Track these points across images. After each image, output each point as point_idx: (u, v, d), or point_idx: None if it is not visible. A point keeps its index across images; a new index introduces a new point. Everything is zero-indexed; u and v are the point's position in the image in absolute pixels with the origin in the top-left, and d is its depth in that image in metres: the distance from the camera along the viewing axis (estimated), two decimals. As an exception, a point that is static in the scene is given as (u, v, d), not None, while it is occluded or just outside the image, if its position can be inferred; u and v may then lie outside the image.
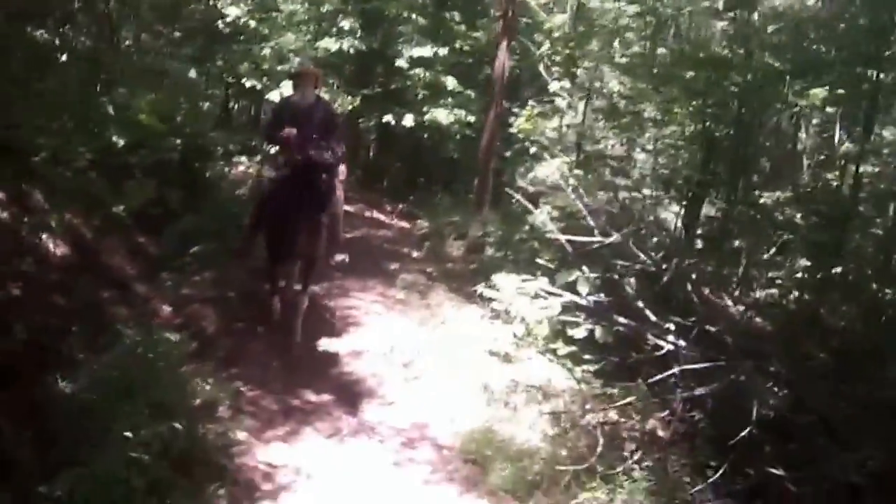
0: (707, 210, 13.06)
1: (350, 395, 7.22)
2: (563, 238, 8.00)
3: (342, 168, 7.90)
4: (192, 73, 13.02)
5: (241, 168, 13.56)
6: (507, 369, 7.69)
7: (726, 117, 11.75)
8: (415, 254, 12.42)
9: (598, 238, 7.85)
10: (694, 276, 7.90)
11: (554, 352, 7.95)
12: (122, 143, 9.25)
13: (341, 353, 8.02)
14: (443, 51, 15.27)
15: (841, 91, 10.05)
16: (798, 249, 11.03)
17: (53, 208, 8.06)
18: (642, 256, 8.05)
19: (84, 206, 8.50)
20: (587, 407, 6.99)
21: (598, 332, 7.83)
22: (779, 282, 11.18)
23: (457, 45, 15.97)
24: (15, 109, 7.76)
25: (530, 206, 9.53)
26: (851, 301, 10.15)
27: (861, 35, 10.03)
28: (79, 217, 8.52)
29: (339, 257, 8.13)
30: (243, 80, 14.74)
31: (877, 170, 11.28)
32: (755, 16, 11.21)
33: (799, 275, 10.98)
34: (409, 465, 6.15)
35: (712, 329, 7.07)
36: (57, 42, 9.81)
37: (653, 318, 7.31)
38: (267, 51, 14.60)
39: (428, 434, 6.64)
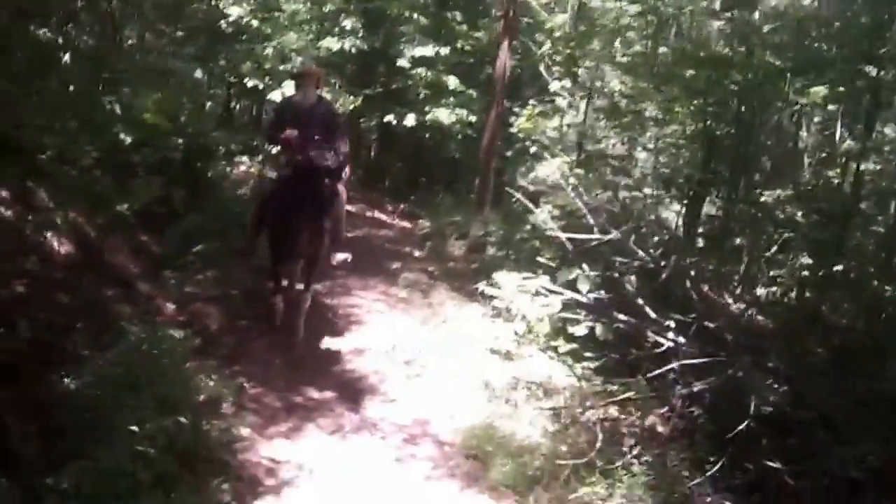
0: (708, 209, 13.09)
1: (352, 392, 7.27)
2: (562, 236, 8.05)
3: (346, 168, 7.91)
4: (198, 73, 13.06)
5: (243, 168, 13.59)
6: (508, 367, 7.74)
7: (727, 116, 11.77)
8: (416, 253, 12.47)
9: (598, 235, 7.89)
10: (693, 272, 7.93)
11: (555, 349, 7.99)
12: (129, 140, 9.29)
13: (343, 351, 8.07)
14: (444, 50, 15.30)
15: (841, 89, 10.06)
16: (799, 247, 11.05)
17: (58, 207, 8.10)
18: (641, 254, 8.09)
19: (88, 205, 8.54)
20: (587, 403, 7.03)
21: (599, 329, 7.89)
22: (780, 280, 11.20)
23: (458, 45, 15.99)
24: (18, 108, 7.81)
25: (531, 206, 9.57)
26: (853, 299, 10.17)
27: (860, 33, 10.05)
28: (83, 216, 8.56)
29: (342, 257, 8.14)
30: (245, 80, 14.78)
31: (878, 167, 11.29)
32: (755, 15, 11.23)
33: (800, 273, 11.01)
34: (411, 461, 6.20)
35: (711, 325, 7.10)
36: (60, 41, 9.85)
37: (652, 315, 7.34)
38: (269, 50, 14.64)
39: (429, 430, 6.69)
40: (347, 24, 15.44)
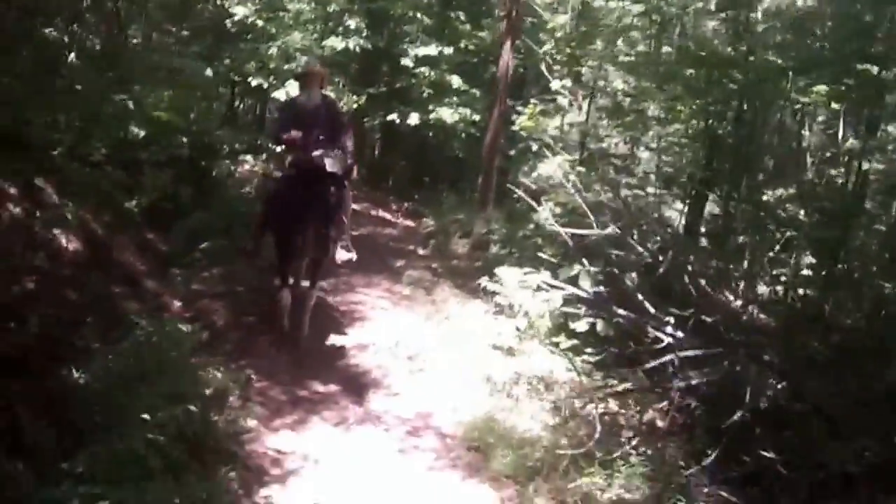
0: (711, 208, 13.14)
1: (356, 386, 7.37)
2: (562, 231, 8.14)
3: (354, 169, 7.98)
4: (208, 72, 13.17)
5: (247, 167, 13.69)
6: (509, 362, 7.82)
7: (728, 115, 11.82)
8: (420, 251, 12.57)
9: (597, 231, 7.98)
10: (690, 267, 8.01)
11: (555, 344, 8.08)
12: (142, 135, 9.39)
13: (348, 347, 8.17)
14: (448, 50, 15.40)
15: (842, 87, 10.09)
16: (802, 246, 11.08)
17: (67, 203, 8.21)
18: (640, 249, 8.18)
19: (97, 201, 8.65)
20: (587, 397, 7.11)
21: (600, 325, 7.99)
22: (783, 279, 11.25)
23: (462, 45, 16.11)
24: (25, 106, 7.91)
25: (534, 204, 9.65)
26: (854, 298, 10.21)
27: (852, 32, 10.10)
28: (90, 213, 8.67)
29: (347, 256, 8.12)
30: (249, 79, 14.88)
31: (881, 167, 11.32)
32: (754, 14, 11.28)
33: (804, 272, 11.06)
34: (414, 453, 6.30)
35: (709, 319, 7.17)
36: (65, 40, 9.96)
37: (651, 310, 7.42)
38: (273, 50, 14.74)
39: (432, 423, 6.78)
40: (351, 23, 15.52)
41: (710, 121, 11.83)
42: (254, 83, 14.94)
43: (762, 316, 10.32)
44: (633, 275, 8.51)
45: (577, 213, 8.82)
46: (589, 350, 8.00)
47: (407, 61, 15.56)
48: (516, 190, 10.09)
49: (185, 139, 10.65)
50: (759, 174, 12.41)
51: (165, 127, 9.94)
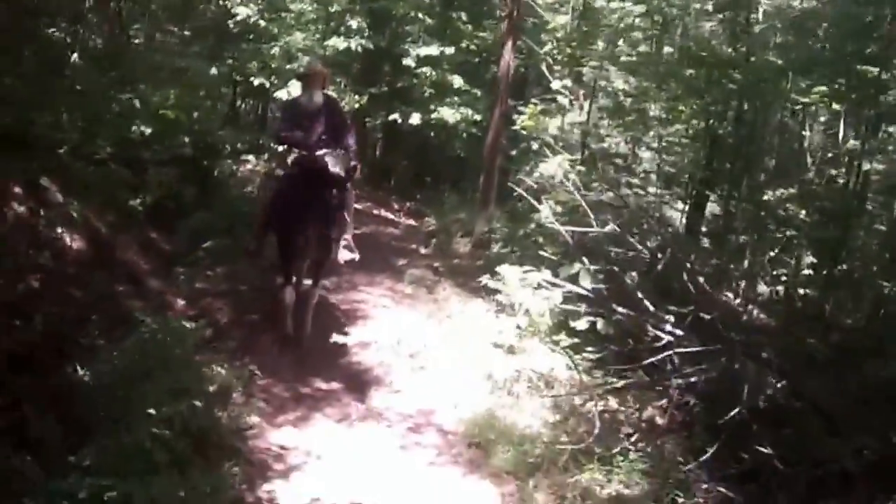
0: (712, 208, 13.19)
1: (359, 383, 7.45)
2: (562, 229, 8.19)
3: (357, 168, 7.89)
4: (214, 71, 13.22)
5: (249, 166, 13.73)
6: (510, 360, 7.87)
7: (728, 115, 11.88)
8: (422, 250, 12.61)
9: (596, 228, 8.03)
10: (689, 265, 8.05)
11: (556, 343, 8.12)
12: (148, 132, 9.43)
13: (350, 344, 8.23)
14: (449, 50, 15.43)
15: (840, 88, 10.13)
16: (802, 246, 11.13)
17: (71, 202, 8.26)
18: (638, 246, 8.23)
19: (101, 201, 8.70)
20: (587, 395, 7.17)
21: (600, 323, 8.04)
22: (783, 279, 11.29)
23: (463, 45, 16.14)
24: (28, 106, 7.96)
25: (536, 203, 9.70)
26: (854, 298, 10.26)
27: (849, 32, 10.14)
28: (94, 212, 8.73)
29: (349, 256, 8.15)
30: (251, 79, 14.92)
31: (882, 167, 11.35)
32: (753, 15, 11.32)
33: (804, 272, 11.11)
34: (415, 449, 6.38)
35: (707, 317, 7.22)
36: (68, 40, 10.01)
37: (651, 308, 7.48)
38: (276, 50, 14.78)
39: (433, 420, 6.86)
40: (353, 23, 15.55)
41: (711, 121, 11.88)
42: (256, 83, 14.97)
43: (762, 316, 10.38)
44: (634, 273, 8.57)
45: (578, 212, 8.87)
46: (589, 348, 8.04)
47: (409, 61, 15.57)
48: (517, 188, 10.13)
49: (186, 139, 10.69)
50: (759, 174, 12.45)
51: (172, 125, 9.98)
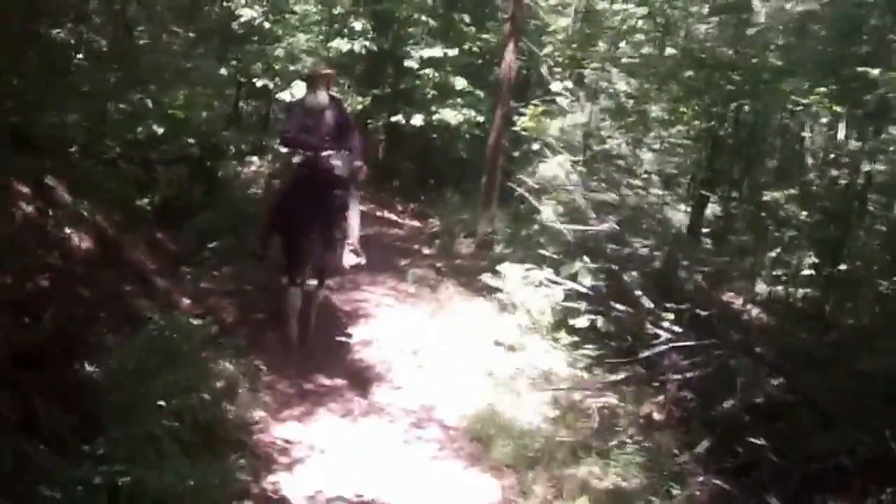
0: (713, 209, 13.24)
1: (362, 379, 7.59)
2: (562, 227, 8.30)
3: (363, 169, 7.97)
4: (223, 71, 13.29)
5: (253, 168, 13.81)
6: (511, 357, 8.00)
7: (728, 116, 11.93)
8: (425, 251, 12.71)
9: (595, 226, 8.14)
10: (685, 263, 8.16)
11: (556, 340, 8.24)
12: (160, 131, 9.52)
13: (353, 342, 8.37)
14: (452, 52, 15.52)
15: (834, 89, 10.18)
16: (803, 247, 11.19)
17: (81, 202, 8.35)
18: (636, 243, 8.33)
19: (109, 200, 8.78)
20: (586, 391, 7.29)
21: (600, 321, 8.16)
22: (783, 279, 11.36)
23: (466, 47, 16.22)
24: (32, 106, 8.05)
25: (537, 204, 9.80)
26: (856, 298, 10.30)
27: (838, 34, 10.20)
28: (102, 212, 8.82)
29: (355, 261, 8.13)
30: (254, 80, 15.00)
31: (882, 168, 11.38)
32: (749, 16, 11.38)
33: (805, 272, 11.17)
34: (418, 443, 6.52)
35: (704, 314, 7.32)
36: (72, 41, 10.09)
37: (649, 305, 7.58)
38: (280, 51, 14.86)
39: (435, 415, 6.99)
40: (357, 25, 15.64)
41: (712, 122, 11.94)
42: (259, 84, 15.04)
43: (763, 316, 10.45)
44: (633, 272, 8.67)
45: (578, 212, 8.98)
46: (589, 346, 8.15)
47: (411, 63, 15.66)
48: (518, 188, 10.22)
49: (191, 140, 10.77)
50: (760, 175, 12.51)
51: (181, 125, 10.08)
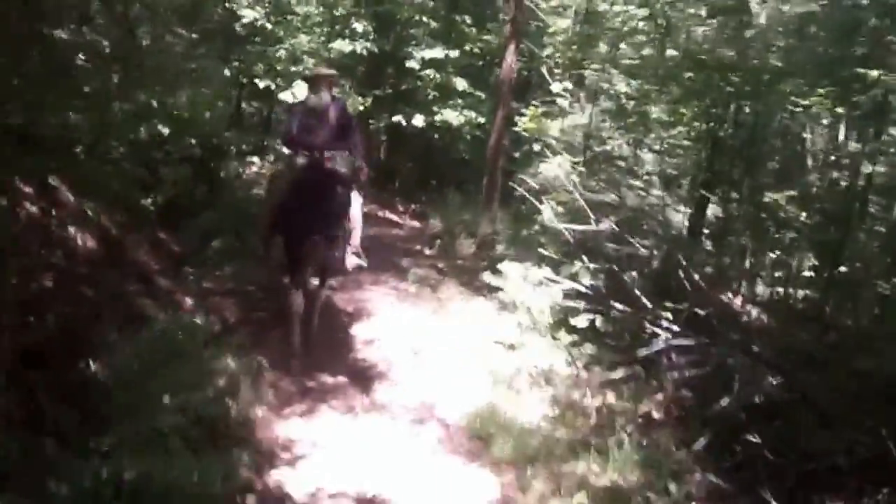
0: (714, 210, 13.28)
1: (363, 377, 7.65)
2: (561, 227, 8.35)
3: (364, 170, 8.00)
4: (227, 72, 13.36)
5: (254, 168, 13.87)
6: (511, 356, 8.06)
7: (727, 117, 11.96)
8: (426, 251, 12.79)
9: (594, 226, 8.19)
10: (684, 262, 8.21)
11: (556, 339, 8.29)
12: (167, 132, 9.58)
13: (355, 341, 8.47)
14: (453, 53, 15.59)
15: (827, 89, 10.20)
16: (803, 248, 11.22)
17: (84, 202, 8.41)
18: (636, 244, 8.39)
19: (113, 200, 8.84)
20: (586, 390, 7.36)
21: (599, 321, 8.22)
22: (784, 280, 11.38)
23: (467, 48, 16.30)
24: (34, 106, 8.10)
25: (536, 203, 9.85)
26: (855, 300, 10.33)
27: (835, 35, 10.23)
28: (105, 212, 8.88)
29: (357, 262, 8.23)
30: (256, 81, 15.06)
31: (882, 169, 11.40)
32: (747, 18, 11.42)
33: (805, 273, 11.20)
34: (418, 440, 6.58)
35: (702, 313, 7.37)
36: (75, 42, 10.12)
37: (648, 304, 7.64)
38: (282, 52, 14.93)
39: (436, 413, 7.05)
40: (358, 26, 15.72)
41: (712, 123, 11.98)
42: (261, 85, 15.09)
43: (763, 317, 10.48)
44: (633, 272, 8.74)
45: (578, 212, 9.03)
46: (588, 345, 8.21)
47: (413, 64, 15.73)
48: (518, 188, 10.28)
49: (193, 140, 10.83)
50: (760, 176, 12.53)
51: (186, 125, 10.14)
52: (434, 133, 16.52)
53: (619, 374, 7.69)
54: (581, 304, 8.08)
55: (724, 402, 6.46)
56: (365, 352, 8.27)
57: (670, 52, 13.22)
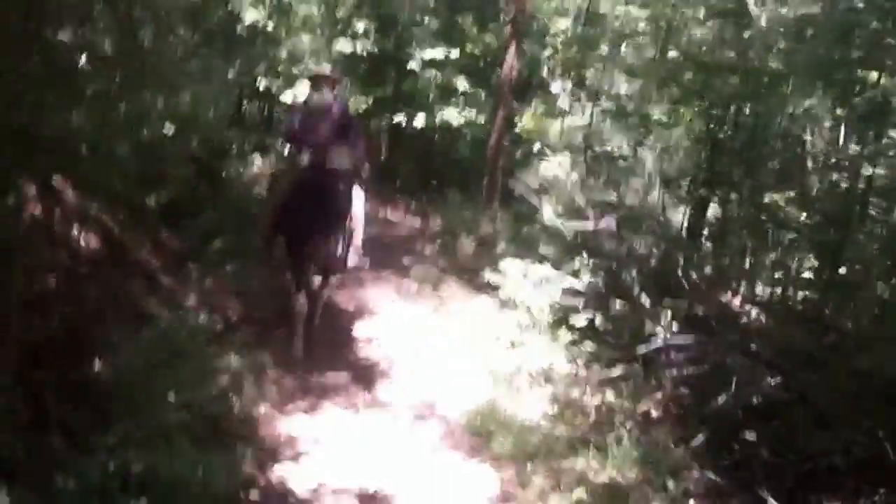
0: (715, 210, 13.31)
1: (365, 375, 7.73)
2: (559, 224, 8.42)
3: (365, 169, 8.06)
4: (230, 75, 13.42)
5: (256, 168, 13.92)
6: (511, 354, 8.13)
7: (727, 119, 12.01)
8: (427, 250, 12.80)
9: (593, 225, 8.26)
10: (682, 261, 8.27)
11: (556, 338, 8.36)
12: (172, 130, 9.63)
13: (357, 339, 8.56)
14: (454, 53, 15.63)
15: (836, 91, 10.24)
16: (803, 249, 11.24)
17: (87, 202, 8.46)
18: (635, 243, 8.45)
19: (116, 200, 8.88)
20: (585, 388, 7.43)
21: (598, 319, 8.29)
22: (783, 281, 11.41)
23: (468, 48, 16.33)
24: (38, 107, 8.15)
25: (537, 203, 9.90)
26: (855, 301, 10.36)
27: (832, 38, 10.26)
28: (109, 212, 8.93)
29: (357, 261, 8.30)
30: (258, 80, 15.10)
31: (882, 172, 11.41)
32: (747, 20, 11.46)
33: (804, 275, 11.23)
34: (419, 436, 6.67)
35: (700, 312, 7.43)
36: (77, 44, 10.17)
37: (646, 303, 7.70)
38: (283, 52, 14.97)
39: (437, 410, 7.14)
40: (360, 27, 15.76)
41: (712, 124, 12.03)
42: (262, 85, 15.13)
43: (762, 317, 10.52)
44: (633, 272, 8.79)
45: (578, 211, 9.09)
46: (588, 343, 8.27)
47: (414, 64, 15.77)
48: (518, 187, 10.33)
49: (195, 140, 10.87)
50: (760, 177, 12.56)
51: (189, 124, 10.19)
52: (435, 133, 16.55)
53: (617, 371, 7.76)
54: (580, 302, 8.14)
55: (722, 399, 6.49)
56: (366, 350, 8.36)
57: (671, 54, 13.30)
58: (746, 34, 10.91)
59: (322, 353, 7.87)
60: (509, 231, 12.15)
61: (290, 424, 6.48)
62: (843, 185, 11.03)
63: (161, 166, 9.67)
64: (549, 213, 9.46)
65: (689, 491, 5.98)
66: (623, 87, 13.60)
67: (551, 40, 13.94)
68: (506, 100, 12.59)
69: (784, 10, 10.69)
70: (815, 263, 10.86)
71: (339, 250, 7.90)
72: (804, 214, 10.79)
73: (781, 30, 11.48)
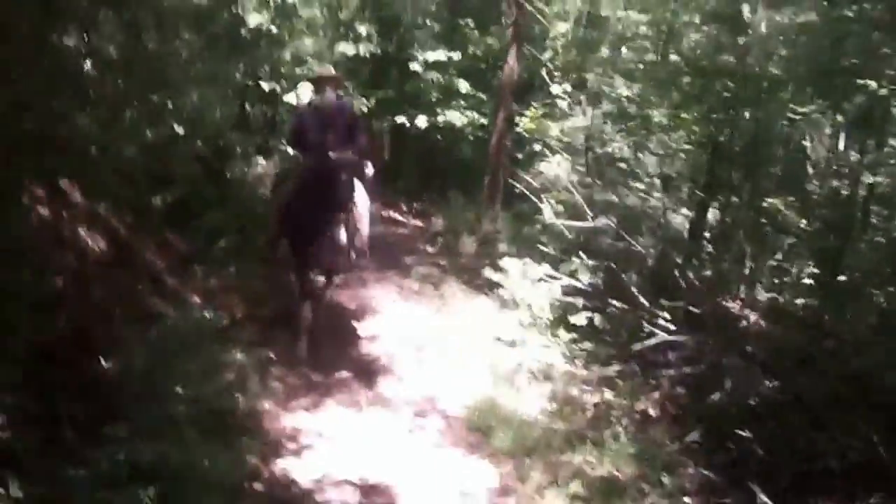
0: (715, 214, 13.37)
1: (367, 372, 7.85)
2: (559, 223, 8.52)
3: (370, 170, 8.04)
4: (237, 76, 13.51)
5: (259, 169, 14.00)
6: (511, 352, 8.25)
7: (727, 123, 12.06)
8: (429, 249, 12.93)
9: (591, 224, 8.37)
10: (679, 261, 8.37)
11: (556, 337, 8.48)
12: (181, 132, 9.73)
13: (359, 337, 8.69)
14: (456, 55, 15.74)
15: (833, 98, 10.30)
16: (803, 255, 11.31)
17: (94, 203, 8.56)
18: (634, 243, 8.55)
19: (122, 201, 8.99)
20: (584, 386, 7.55)
21: (597, 318, 8.40)
22: (783, 286, 11.48)
23: (470, 50, 16.44)
24: (44, 111, 8.25)
25: (536, 200, 10.00)
26: (855, 308, 10.41)
27: (824, 45, 10.33)
28: (115, 214, 9.03)
29: (359, 258, 8.38)
30: (261, 82, 15.19)
31: (882, 179, 11.45)
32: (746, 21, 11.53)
33: (804, 280, 11.29)
34: (420, 432, 6.81)
35: (697, 311, 7.53)
36: (83, 48, 10.27)
37: (645, 303, 7.81)
38: (287, 55, 15.06)
39: (437, 407, 7.28)
40: (362, 29, 15.87)
41: (712, 128, 12.08)
42: (266, 87, 15.21)
43: (761, 322, 10.59)
44: (632, 272, 8.90)
45: (578, 210, 9.20)
46: (587, 342, 8.38)
47: (416, 66, 15.86)
48: (517, 185, 10.43)
49: (199, 141, 10.96)
50: (761, 182, 12.62)
51: (196, 126, 10.29)
52: (437, 134, 16.63)
53: (615, 369, 7.87)
54: (580, 301, 8.25)
55: (716, 396, 6.60)
56: (369, 347, 8.49)
57: (672, 58, 13.35)
58: (742, 40, 10.96)
59: (325, 351, 7.96)
60: (510, 231, 12.27)
61: (294, 419, 6.61)
62: (844, 192, 11.07)
63: (167, 168, 9.76)
64: (549, 212, 9.57)
65: (685, 487, 6.08)
66: (623, 89, 13.63)
67: (551, 43, 13.99)
68: (507, 101, 12.69)
69: (779, 18, 10.76)
70: (815, 270, 10.91)
71: (343, 241, 7.88)
72: (804, 220, 10.84)
73: (781, 38, 11.57)
